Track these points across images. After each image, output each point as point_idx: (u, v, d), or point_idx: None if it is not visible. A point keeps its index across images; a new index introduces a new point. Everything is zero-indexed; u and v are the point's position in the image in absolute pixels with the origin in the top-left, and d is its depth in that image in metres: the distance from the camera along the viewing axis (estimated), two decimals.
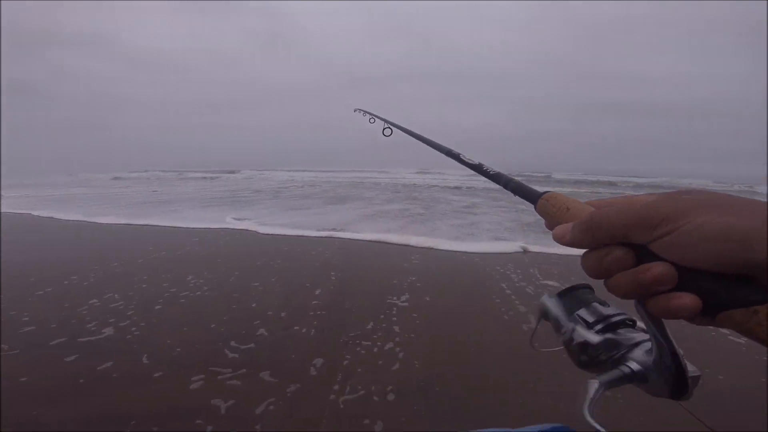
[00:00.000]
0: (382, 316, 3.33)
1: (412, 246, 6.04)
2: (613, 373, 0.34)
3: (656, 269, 0.29)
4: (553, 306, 0.41)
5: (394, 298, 3.80)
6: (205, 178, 30.22)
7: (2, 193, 14.27)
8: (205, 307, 3.56)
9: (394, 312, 3.44)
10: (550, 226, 0.39)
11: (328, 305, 3.61)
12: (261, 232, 7.30)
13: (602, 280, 0.33)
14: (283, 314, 3.40)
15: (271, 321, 3.25)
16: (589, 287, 0.42)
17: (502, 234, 7.30)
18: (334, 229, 7.38)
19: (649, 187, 28.29)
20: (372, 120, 1.30)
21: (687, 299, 0.28)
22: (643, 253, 0.30)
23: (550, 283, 4.21)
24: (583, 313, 0.39)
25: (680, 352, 0.32)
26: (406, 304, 3.65)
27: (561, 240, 0.36)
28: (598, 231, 0.32)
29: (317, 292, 4.02)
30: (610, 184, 29.12)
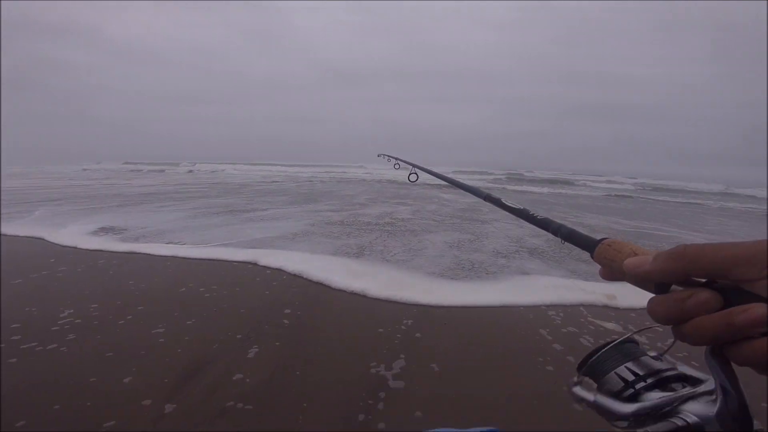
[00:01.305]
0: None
1: (399, 302, 3.71)
2: (663, 425, 0.31)
3: (758, 310, 0.28)
4: (587, 395, 0.37)
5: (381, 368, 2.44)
6: (160, 170, 27.67)
7: None
8: None
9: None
10: (610, 275, 0.39)
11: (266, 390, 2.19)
12: (82, 247, 5.63)
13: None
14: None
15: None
16: (634, 341, 0.39)
17: (541, 264, 5.24)
18: (259, 248, 5.73)
19: (629, 185, 29.19)
20: (397, 165, 1.50)
21: None
22: (732, 296, 0.30)
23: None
24: (630, 366, 0.36)
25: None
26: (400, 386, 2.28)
27: (636, 269, 0.35)
28: (692, 264, 0.31)
29: (250, 355, 2.50)
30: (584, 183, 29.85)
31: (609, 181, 31.37)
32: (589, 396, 0.37)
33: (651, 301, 0.33)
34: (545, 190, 21.98)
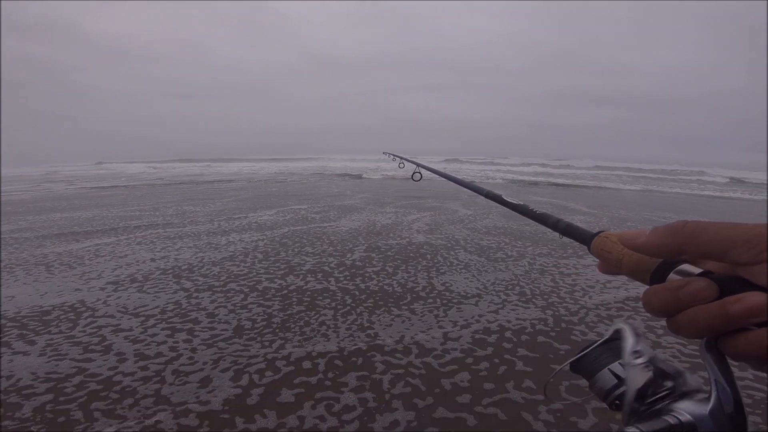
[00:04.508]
0: None
1: None
2: (656, 423, 0.31)
3: (753, 298, 0.27)
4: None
5: None
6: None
7: None
8: None
9: None
10: (608, 268, 0.41)
11: None
12: None
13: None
14: None
15: None
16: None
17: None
18: None
19: (604, 170, 30.62)
20: (401, 164, 1.50)
21: None
22: (728, 285, 0.30)
23: None
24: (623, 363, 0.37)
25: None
26: None
27: (632, 242, 0.35)
28: (690, 240, 0.31)
29: None
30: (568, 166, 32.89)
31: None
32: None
33: (646, 292, 0.33)
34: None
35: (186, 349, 2.90)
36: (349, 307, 3.49)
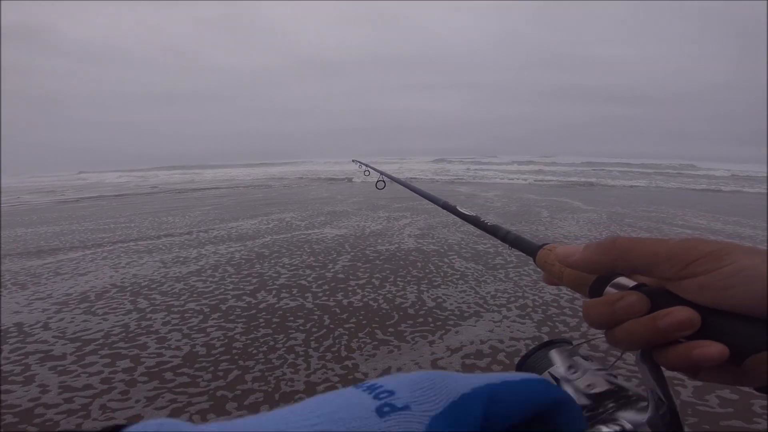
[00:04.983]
0: None
1: None
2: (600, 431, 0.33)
3: (679, 313, 0.29)
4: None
5: None
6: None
7: None
8: None
9: None
10: (551, 280, 0.43)
11: None
12: None
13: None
14: None
15: None
16: (568, 341, 0.41)
17: None
18: None
19: (593, 165, 31.06)
20: (367, 172, 1.61)
21: (713, 347, 0.27)
22: (659, 299, 0.31)
23: None
24: (551, 371, 0.38)
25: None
26: None
27: (569, 259, 0.37)
28: (621, 255, 0.33)
29: None
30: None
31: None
32: None
33: (584, 305, 0.34)
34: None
35: (122, 381, 2.47)
36: (325, 330, 3.04)
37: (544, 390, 0.24)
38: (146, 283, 4.13)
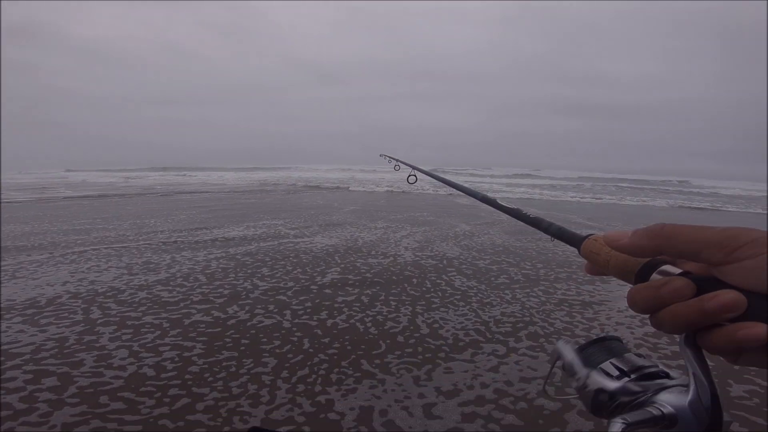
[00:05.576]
0: None
1: None
2: (641, 413, 0.34)
3: (726, 295, 0.30)
4: (568, 352, 0.42)
5: None
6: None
7: None
8: None
9: None
10: (595, 269, 0.43)
11: None
12: None
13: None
14: None
15: None
16: (618, 339, 0.43)
17: None
18: None
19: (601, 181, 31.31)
20: (397, 167, 1.62)
21: (759, 328, 0.29)
22: (704, 284, 0.32)
23: None
24: (614, 362, 0.40)
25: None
26: None
27: (616, 242, 0.38)
28: (667, 241, 0.34)
29: None
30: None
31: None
32: (583, 371, 0.39)
33: (630, 290, 0.36)
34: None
35: (43, 401, 2.08)
36: (302, 356, 2.62)
37: None
38: (105, 290, 3.71)
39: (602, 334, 0.42)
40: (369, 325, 3.10)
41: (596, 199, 16.07)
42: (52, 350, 2.60)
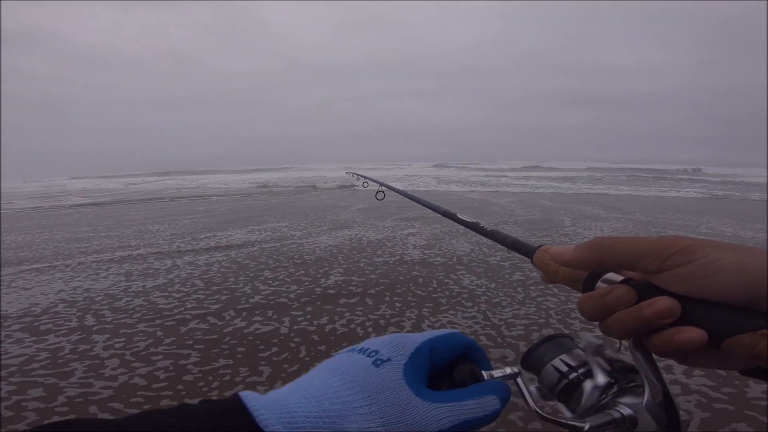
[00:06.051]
0: None
1: None
2: (602, 417, 0.35)
3: (661, 302, 0.32)
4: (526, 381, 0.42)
5: None
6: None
7: None
8: None
9: None
10: (548, 279, 0.45)
11: None
12: None
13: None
14: None
15: None
16: (569, 336, 0.44)
17: None
18: None
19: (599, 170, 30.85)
20: (365, 184, 1.68)
21: (692, 332, 0.31)
22: (644, 291, 0.34)
23: None
24: (564, 359, 0.41)
25: (672, 392, 0.34)
26: None
27: (561, 258, 0.40)
28: (606, 253, 0.37)
29: None
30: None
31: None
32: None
33: (579, 299, 0.38)
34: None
35: (31, 411, 2.02)
36: (298, 365, 2.51)
37: (461, 339, 0.43)
38: (102, 298, 3.66)
39: (553, 333, 0.44)
40: (370, 330, 3.00)
41: (617, 191, 15.69)
42: (45, 360, 2.55)
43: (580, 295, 0.39)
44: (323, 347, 2.73)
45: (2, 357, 2.61)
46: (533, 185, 18.56)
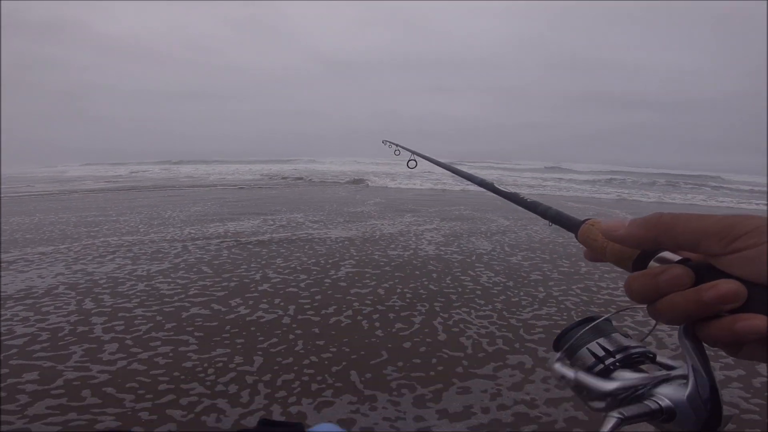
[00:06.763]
0: None
1: None
2: (637, 408, 0.33)
3: (726, 285, 0.29)
4: (566, 370, 0.39)
5: None
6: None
7: None
8: None
9: None
10: (593, 256, 0.42)
11: None
12: None
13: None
14: None
15: None
16: (608, 319, 0.42)
17: None
18: None
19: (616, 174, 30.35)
20: (397, 152, 1.73)
21: (758, 320, 0.28)
22: (703, 273, 0.31)
23: None
24: (601, 342, 0.38)
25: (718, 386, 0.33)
26: None
27: (613, 233, 0.37)
28: (664, 232, 0.33)
29: None
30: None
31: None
32: (570, 373, 0.38)
33: (628, 278, 0.35)
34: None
35: (22, 394, 1.99)
36: (292, 358, 2.42)
37: None
38: (105, 280, 3.66)
39: (592, 315, 0.42)
40: (376, 324, 2.88)
41: (652, 200, 15.18)
42: (42, 341, 2.54)
43: (627, 275, 0.35)
44: (323, 341, 2.64)
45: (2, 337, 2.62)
46: (556, 185, 18.22)
